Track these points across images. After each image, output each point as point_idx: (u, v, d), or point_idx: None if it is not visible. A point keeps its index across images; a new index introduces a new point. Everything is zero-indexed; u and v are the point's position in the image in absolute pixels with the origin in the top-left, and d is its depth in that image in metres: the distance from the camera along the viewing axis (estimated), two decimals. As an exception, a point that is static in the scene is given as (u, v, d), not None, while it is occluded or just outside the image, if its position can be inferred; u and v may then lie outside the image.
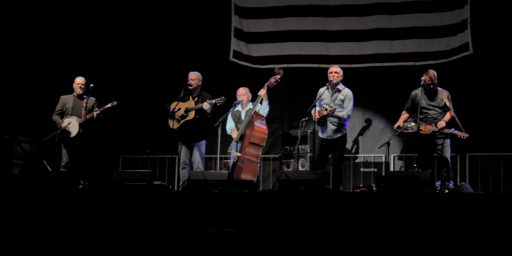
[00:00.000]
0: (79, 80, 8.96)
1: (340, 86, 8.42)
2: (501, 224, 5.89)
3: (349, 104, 8.34)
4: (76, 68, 9.94)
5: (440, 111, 8.14)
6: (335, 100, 8.32)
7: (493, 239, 5.84)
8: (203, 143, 8.72)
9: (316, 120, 8.18)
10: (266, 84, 8.60)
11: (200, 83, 8.72)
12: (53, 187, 7.05)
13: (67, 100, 8.96)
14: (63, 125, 8.73)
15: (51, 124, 8.94)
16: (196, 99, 8.65)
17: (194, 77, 8.71)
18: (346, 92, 8.39)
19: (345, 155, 9.97)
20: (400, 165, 9.89)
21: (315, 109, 8.14)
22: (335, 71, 8.40)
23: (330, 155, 8.54)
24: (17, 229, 6.68)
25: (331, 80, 8.33)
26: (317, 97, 8.34)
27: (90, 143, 8.89)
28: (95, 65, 10.70)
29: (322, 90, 8.47)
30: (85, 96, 8.92)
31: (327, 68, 8.56)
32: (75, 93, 8.97)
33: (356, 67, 10.16)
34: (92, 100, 8.97)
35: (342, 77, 8.47)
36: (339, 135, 8.35)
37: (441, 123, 7.99)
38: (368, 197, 6.56)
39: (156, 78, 10.82)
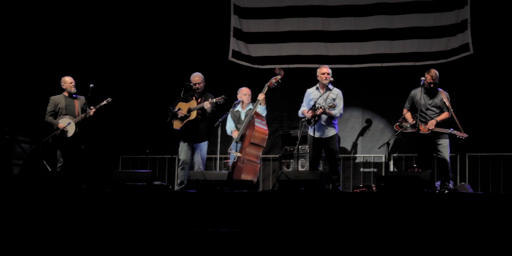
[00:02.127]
0: (71, 80, 8.91)
1: (330, 86, 8.45)
2: (501, 224, 5.89)
3: (341, 103, 8.39)
4: (75, 68, 9.93)
5: (438, 111, 8.14)
6: (327, 99, 8.33)
7: (493, 239, 5.84)
8: (205, 144, 8.71)
9: (309, 117, 8.19)
10: (266, 84, 8.59)
11: (204, 83, 8.72)
12: (53, 187, 7.05)
13: (58, 100, 8.91)
14: (61, 125, 8.71)
15: (51, 124, 8.92)
16: (199, 99, 8.64)
17: (199, 79, 8.65)
18: (337, 92, 8.45)
19: (345, 155, 10.02)
20: (396, 167, 9.88)
21: (311, 109, 8.18)
22: (327, 73, 8.41)
23: (322, 154, 8.54)
24: (17, 229, 6.68)
25: (330, 81, 8.33)
26: (306, 98, 8.46)
27: (86, 142, 8.87)
28: (94, 65, 10.71)
29: (311, 90, 8.55)
30: (74, 96, 8.92)
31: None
32: (65, 93, 8.92)
33: (356, 67, 10.18)
34: (82, 99, 8.96)
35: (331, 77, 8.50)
36: (332, 133, 8.40)
37: (431, 122, 7.99)
38: (368, 197, 6.56)
39: (155, 78, 10.82)
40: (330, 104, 8.17)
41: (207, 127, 8.67)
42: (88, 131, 8.92)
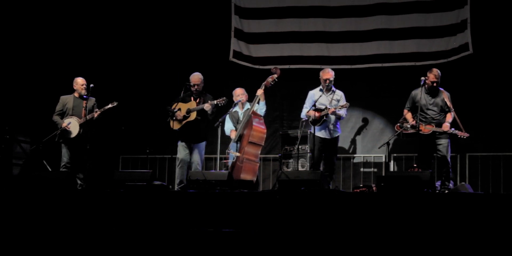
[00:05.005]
0: (83, 81, 8.94)
1: (333, 87, 8.48)
2: (501, 224, 5.89)
3: None
4: (75, 68, 9.93)
5: (439, 111, 8.14)
6: (332, 100, 8.35)
7: (493, 239, 5.84)
8: (203, 144, 8.70)
9: (316, 117, 8.20)
10: (263, 83, 8.62)
11: (203, 84, 8.70)
12: (53, 187, 7.05)
13: (67, 100, 8.95)
14: (63, 125, 8.73)
15: (51, 124, 8.92)
16: (198, 100, 8.63)
17: (198, 80, 8.62)
18: (340, 93, 8.55)
19: (345, 155, 10.04)
20: (396, 167, 9.88)
21: (318, 109, 8.19)
22: (330, 80, 8.45)
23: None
24: (17, 229, 6.68)
25: (331, 87, 8.37)
26: (310, 99, 8.49)
27: (90, 143, 8.88)
28: (95, 65, 10.70)
29: (314, 92, 8.60)
30: (85, 97, 8.92)
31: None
32: (76, 94, 8.96)
33: (357, 67, 10.19)
34: (92, 100, 8.97)
35: None
36: (337, 134, 8.52)
37: (446, 125, 8.00)
38: (368, 197, 6.56)
39: (156, 78, 10.82)
40: (343, 104, 8.22)
41: (206, 128, 8.66)
42: (92, 132, 8.92)
